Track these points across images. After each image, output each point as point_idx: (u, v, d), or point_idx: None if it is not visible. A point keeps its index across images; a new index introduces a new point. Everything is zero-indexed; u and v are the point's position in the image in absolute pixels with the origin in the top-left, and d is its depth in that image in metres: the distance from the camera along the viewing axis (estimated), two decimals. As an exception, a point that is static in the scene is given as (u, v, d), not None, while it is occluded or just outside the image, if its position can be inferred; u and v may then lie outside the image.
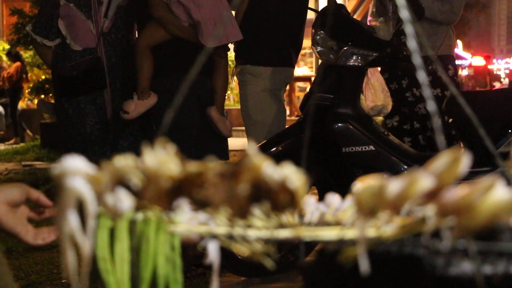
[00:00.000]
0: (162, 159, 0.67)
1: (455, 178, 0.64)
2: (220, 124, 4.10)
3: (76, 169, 0.66)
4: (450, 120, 3.88)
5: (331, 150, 3.79)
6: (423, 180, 0.63)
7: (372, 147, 3.77)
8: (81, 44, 4.15)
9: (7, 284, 1.23)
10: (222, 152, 4.20)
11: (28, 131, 14.13)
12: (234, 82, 4.83)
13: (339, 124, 3.78)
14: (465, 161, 0.63)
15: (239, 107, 4.84)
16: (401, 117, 4.88)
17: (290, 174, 0.65)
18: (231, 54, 4.59)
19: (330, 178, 3.83)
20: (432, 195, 0.64)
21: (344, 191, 1.14)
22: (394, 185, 0.64)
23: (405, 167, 3.74)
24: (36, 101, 13.60)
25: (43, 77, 12.52)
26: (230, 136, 4.24)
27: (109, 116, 4.16)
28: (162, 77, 3.99)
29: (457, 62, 6.96)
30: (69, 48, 4.17)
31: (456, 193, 0.63)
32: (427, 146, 4.80)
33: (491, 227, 0.62)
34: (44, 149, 11.16)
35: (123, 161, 0.67)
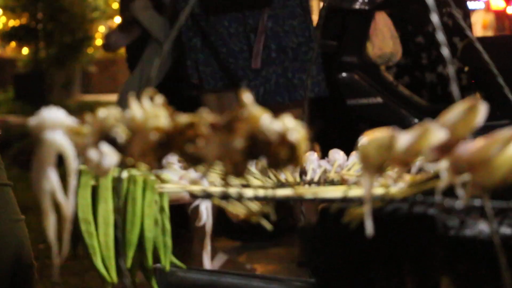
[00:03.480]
0: (150, 110, 0.67)
1: (470, 131, 0.64)
2: None
3: (55, 121, 0.65)
4: (466, 68, 3.87)
5: (334, 103, 3.78)
6: (436, 132, 0.64)
7: (379, 99, 3.76)
8: None
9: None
10: None
11: None
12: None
13: (344, 74, 3.77)
14: (481, 113, 0.64)
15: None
16: None
17: (290, 127, 0.65)
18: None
19: (334, 133, 3.83)
20: (445, 149, 0.65)
21: (348, 148, 1.14)
22: (403, 139, 0.64)
23: (416, 120, 3.74)
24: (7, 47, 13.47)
25: (13, 23, 12.39)
26: None
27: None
28: None
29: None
30: None
31: (471, 147, 0.63)
32: None
33: (510, 184, 0.62)
34: (18, 101, 11.10)
35: (107, 112, 0.67)
